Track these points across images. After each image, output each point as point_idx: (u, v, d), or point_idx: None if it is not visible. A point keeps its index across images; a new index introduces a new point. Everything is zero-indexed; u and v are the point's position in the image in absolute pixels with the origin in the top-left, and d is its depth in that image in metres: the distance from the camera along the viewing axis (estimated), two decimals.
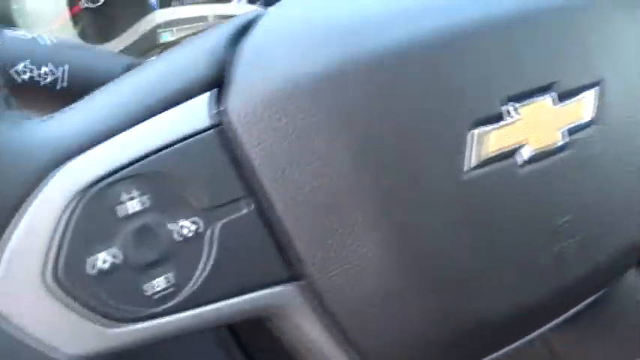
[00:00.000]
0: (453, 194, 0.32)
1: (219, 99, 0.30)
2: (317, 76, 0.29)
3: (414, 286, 0.32)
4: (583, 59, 0.36)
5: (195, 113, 0.29)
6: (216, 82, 0.30)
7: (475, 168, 0.32)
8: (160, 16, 0.74)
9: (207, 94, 0.29)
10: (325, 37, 0.31)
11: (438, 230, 0.32)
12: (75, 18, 0.71)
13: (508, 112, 0.33)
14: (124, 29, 0.74)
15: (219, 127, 0.29)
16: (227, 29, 0.31)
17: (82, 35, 0.72)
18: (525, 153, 0.34)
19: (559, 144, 0.35)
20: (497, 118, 0.33)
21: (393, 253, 0.31)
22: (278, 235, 0.30)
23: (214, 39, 0.31)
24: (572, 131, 0.35)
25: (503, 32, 0.33)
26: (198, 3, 0.76)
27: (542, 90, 0.34)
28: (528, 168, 0.34)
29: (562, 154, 0.35)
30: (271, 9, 0.33)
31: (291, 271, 0.31)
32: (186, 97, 0.29)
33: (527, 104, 0.34)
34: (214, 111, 0.29)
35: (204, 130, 0.29)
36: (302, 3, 0.34)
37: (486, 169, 0.33)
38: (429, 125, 0.31)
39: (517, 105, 0.33)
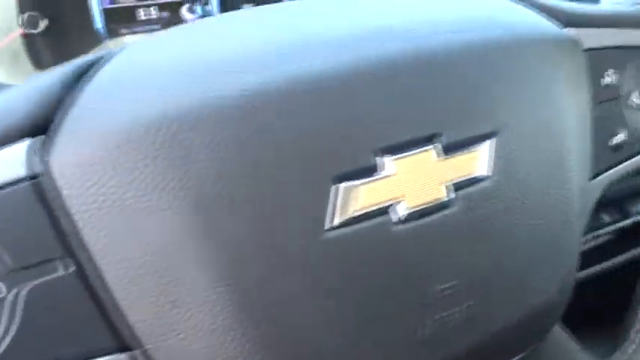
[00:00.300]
0: (311, 255, 0.29)
1: (43, 146, 0.27)
2: (154, 124, 0.26)
3: (259, 356, 0.28)
4: (476, 109, 0.32)
5: (9, 161, 0.26)
6: (43, 127, 0.27)
7: (339, 226, 0.29)
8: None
9: (28, 140, 0.27)
10: (170, 83, 0.28)
11: (290, 295, 0.29)
12: (25, 41, 0.69)
13: (382, 165, 0.30)
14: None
15: (38, 178, 0.26)
16: (66, 70, 0.29)
17: (35, 63, 0.71)
18: (401, 210, 0.30)
19: (443, 200, 0.31)
20: (369, 171, 0.30)
21: (235, 320, 0.28)
22: (104, 301, 0.27)
23: (50, 79, 0.28)
24: (460, 186, 0.32)
25: (379, 77, 0.30)
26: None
27: (424, 141, 0.31)
28: (404, 227, 0.31)
29: (446, 212, 0.32)
30: (122, 51, 0.30)
31: (120, 340, 0.27)
32: (3, 142, 0.26)
33: (405, 156, 0.31)
34: (34, 159, 0.26)
35: (18, 182, 0.26)
36: (153, 47, 0.31)
37: (353, 227, 0.29)
38: (283, 179, 0.28)
39: (392, 157, 0.30)
